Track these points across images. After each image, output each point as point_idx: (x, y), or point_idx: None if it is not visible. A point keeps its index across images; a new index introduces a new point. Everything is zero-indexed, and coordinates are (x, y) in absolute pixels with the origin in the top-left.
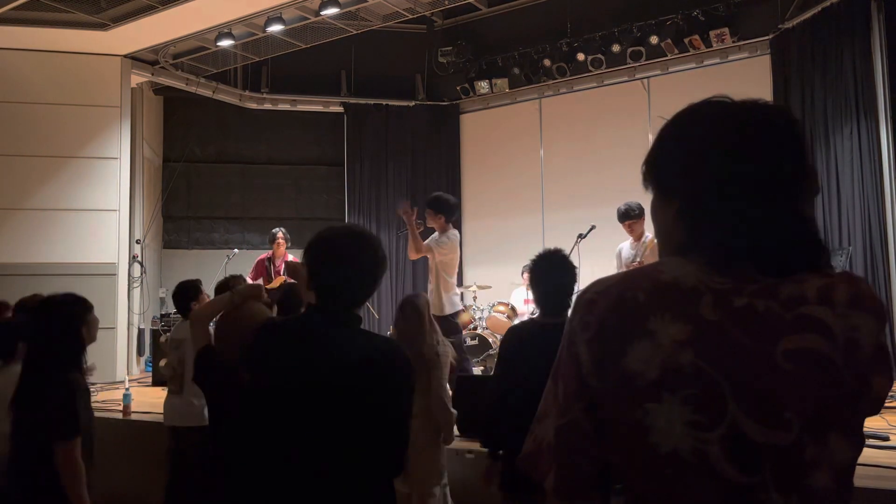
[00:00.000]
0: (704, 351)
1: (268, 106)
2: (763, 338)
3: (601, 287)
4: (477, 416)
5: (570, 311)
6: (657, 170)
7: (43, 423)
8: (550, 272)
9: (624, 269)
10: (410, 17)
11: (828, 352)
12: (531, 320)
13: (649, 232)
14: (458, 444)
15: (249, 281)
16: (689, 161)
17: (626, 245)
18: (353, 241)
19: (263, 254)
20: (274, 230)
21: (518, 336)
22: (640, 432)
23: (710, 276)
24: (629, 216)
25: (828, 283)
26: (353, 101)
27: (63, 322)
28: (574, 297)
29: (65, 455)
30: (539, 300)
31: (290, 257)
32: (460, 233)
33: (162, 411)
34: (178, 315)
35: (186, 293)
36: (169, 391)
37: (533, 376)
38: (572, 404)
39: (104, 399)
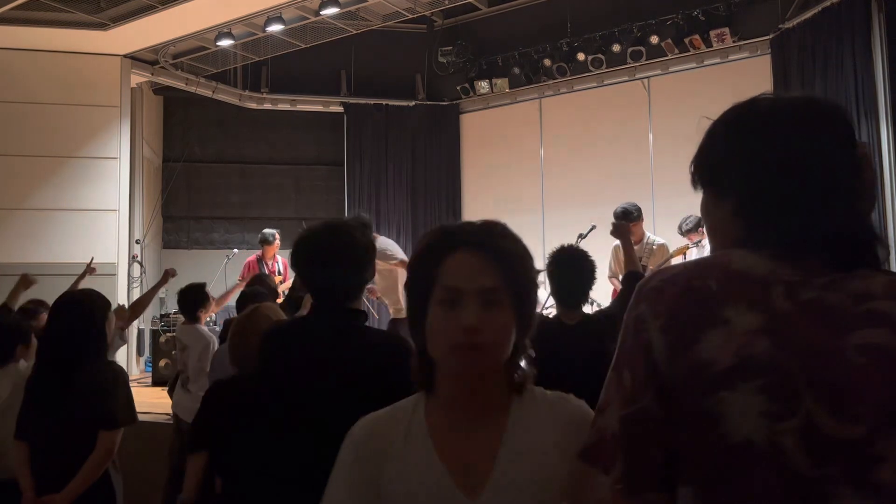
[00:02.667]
0: (778, 341)
1: (267, 106)
2: (834, 331)
3: (666, 275)
4: None
5: (632, 300)
6: (709, 168)
7: (97, 411)
8: (570, 267)
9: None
10: (410, 17)
11: None
12: (553, 319)
13: (649, 232)
14: None
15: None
16: (746, 159)
17: None
18: (333, 237)
19: (252, 255)
20: (267, 231)
21: (541, 336)
22: (711, 421)
23: (779, 268)
24: (629, 219)
25: (892, 279)
26: (352, 101)
27: (97, 316)
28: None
29: (109, 441)
30: (556, 295)
31: (280, 259)
32: None
33: (161, 411)
34: (178, 315)
35: (196, 298)
36: (180, 383)
37: (558, 376)
38: (641, 392)
39: None
